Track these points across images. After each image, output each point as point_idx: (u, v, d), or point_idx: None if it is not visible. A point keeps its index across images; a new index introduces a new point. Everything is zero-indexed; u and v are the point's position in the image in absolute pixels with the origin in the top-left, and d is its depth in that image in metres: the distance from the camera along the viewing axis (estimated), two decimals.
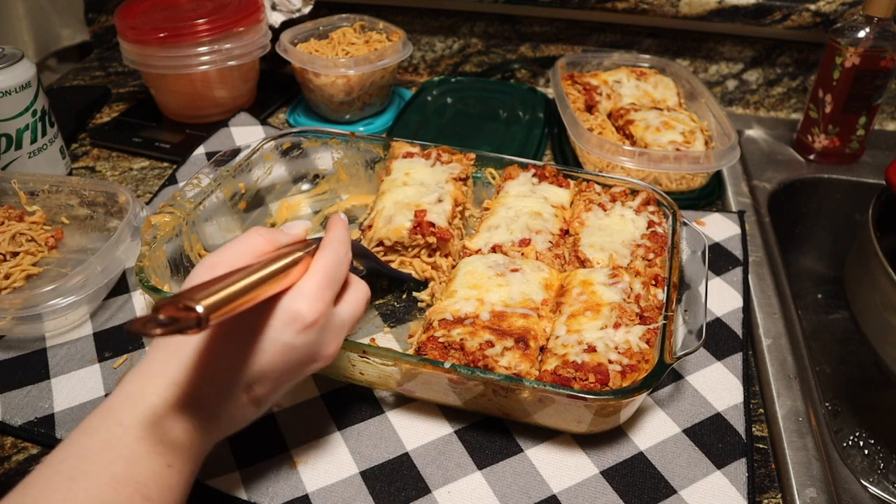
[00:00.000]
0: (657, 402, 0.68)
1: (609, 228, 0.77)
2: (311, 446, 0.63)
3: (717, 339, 0.75)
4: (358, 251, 0.68)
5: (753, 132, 1.17)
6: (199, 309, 0.40)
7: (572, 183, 0.84)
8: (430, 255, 0.79)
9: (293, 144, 0.90)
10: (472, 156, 0.87)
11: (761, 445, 0.67)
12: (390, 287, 0.80)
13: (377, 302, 0.79)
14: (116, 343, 0.74)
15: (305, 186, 0.94)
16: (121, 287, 0.81)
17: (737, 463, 0.63)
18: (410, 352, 0.66)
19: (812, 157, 1.10)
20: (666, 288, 0.69)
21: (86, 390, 0.68)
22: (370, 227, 0.80)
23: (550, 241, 0.76)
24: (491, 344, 0.62)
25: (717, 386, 0.70)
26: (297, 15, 1.18)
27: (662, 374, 0.59)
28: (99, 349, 0.73)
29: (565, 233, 0.79)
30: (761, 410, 0.70)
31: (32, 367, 0.71)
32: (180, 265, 0.75)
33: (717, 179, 1.02)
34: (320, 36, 1.15)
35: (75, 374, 0.70)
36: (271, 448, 0.63)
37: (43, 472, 0.44)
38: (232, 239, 0.55)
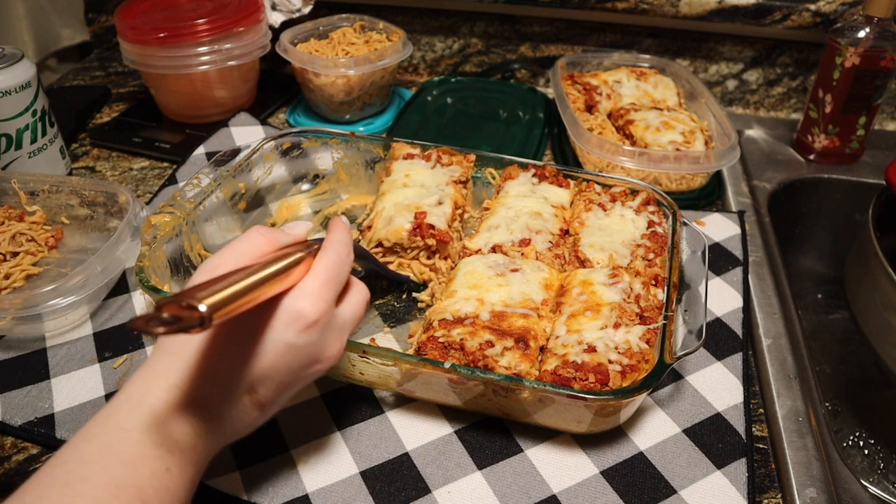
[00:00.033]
0: (657, 402, 0.68)
1: (609, 228, 0.77)
2: (311, 446, 0.63)
3: (717, 339, 0.75)
4: (357, 252, 0.68)
5: (753, 132, 1.17)
6: (202, 308, 0.40)
7: (572, 183, 0.84)
8: (428, 258, 0.79)
9: (293, 144, 0.90)
10: (473, 158, 0.87)
11: (761, 445, 0.67)
12: (390, 287, 0.80)
13: (377, 302, 0.79)
14: (116, 343, 0.74)
15: (305, 186, 0.94)
16: (121, 287, 0.81)
17: (737, 463, 0.63)
18: (410, 352, 0.66)
19: (812, 157, 1.10)
20: (666, 288, 0.69)
21: (86, 390, 0.68)
22: (370, 227, 0.80)
23: (550, 241, 0.76)
24: (491, 344, 0.62)
25: (717, 386, 0.70)
26: (297, 15, 1.18)
27: (662, 374, 0.59)
28: (99, 349, 0.73)
29: (565, 233, 0.79)
30: (761, 410, 0.70)
31: (32, 367, 0.71)
32: (180, 265, 0.75)
33: (717, 179, 1.02)
34: (320, 36, 1.15)
35: (75, 374, 0.70)
36: (271, 448, 0.63)
37: (41, 478, 0.44)
38: (232, 239, 0.55)
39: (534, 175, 0.84)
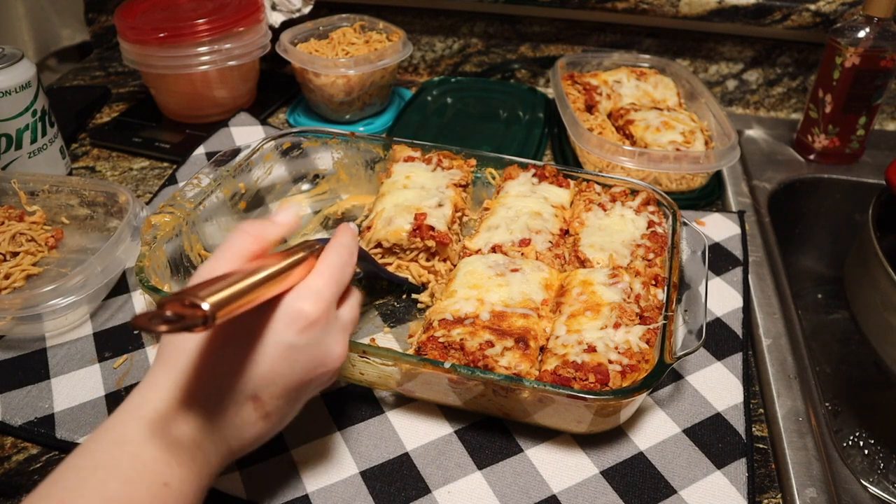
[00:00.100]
0: (657, 402, 0.68)
1: (609, 228, 0.77)
2: (311, 446, 0.63)
3: (717, 339, 0.75)
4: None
5: (753, 132, 1.17)
6: (206, 306, 0.40)
7: (572, 183, 0.84)
8: (427, 260, 0.79)
9: (293, 144, 0.90)
10: (473, 162, 0.87)
11: (761, 445, 0.67)
12: (390, 287, 0.80)
13: (377, 302, 0.79)
14: (116, 343, 0.74)
15: (305, 186, 0.94)
16: (121, 287, 0.81)
17: (737, 463, 0.63)
18: (410, 352, 0.66)
19: (812, 157, 1.10)
20: (666, 288, 0.69)
21: (86, 390, 0.68)
22: (369, 228, 0.80)
23: (550, 241, 0.76)
24: (491, 344, 0.62)
25: (717, 386, 0.70)
26: (297, 15, 1.18)
27: (662, 374, 0.59)
28: (99, 349, 0.73)
29: (565, 233, 0.79)
30: (761, 410, 0.70)
31: (32, 367, 0.71)
32: (180, 265, 0.75)
33: (717, 179, 1.02)
34: (320, 36, 1.15)
35: (75, 374, 0.70)
36: (271, 448, 0.63)
37: (37, 496, 0.43)
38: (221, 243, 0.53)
39: (534, 175, 0.84)
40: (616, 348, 0.62)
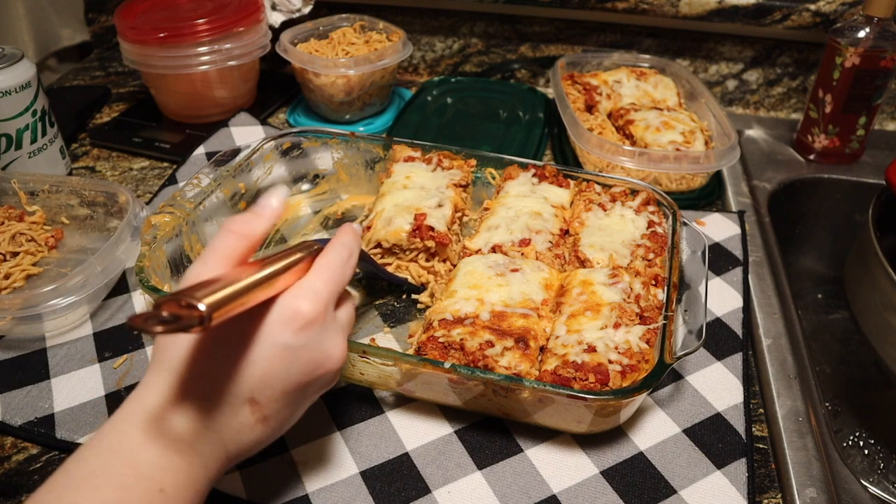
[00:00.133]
0: (657, 402, 0.68)
1: (609, 228, 0.77)
2: (311, 446, 0.63)
3: (717, 339, 0.75)
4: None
5: (753, 132, 1.17)
6: (202, 307, 0.40)
7: (572, 183, 0.84)
8: (427, 260, 0.79)
9: (293, 144, 0.90)
10: (474, 162, 0.87)
11: (761, 445, 0.67)
12: (390, 287, 0.80)
13: (377, 302, 0.79)
14: (116, 343, 0.74)
15: (305, 186, 0.94)
16: (121, 287, 0.81)
17: (737, 463, 0.63)
18: (410, 352, 0.66)
19: (812, 157, 1.10)
20: (666, 288, 0.69)
21: (86, 390, 0.68)
22: (369, 228, 0.80)
23: (550, 241, 0.76)
24: (491, 344, 0.62)
25: (717, 386, 0.70)
26: (297, 15, 1.18)
27: (662, 374, 0.59)
28: (99, 349, 0.73)
29: (565, 233, 0.79)
30: (761, 410, 0.70)
31: (32, 367, 0.71)
32: (180, 265, 0.75)
33: (717, 179, 1.02)
34: (320, 36, 1.15)
35: (75, 374, 0.70)
36: (271, 448, 0.63)
37: (33, 502, 0.43)
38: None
39: (534, 175, 0.84)
40: (616, 348, 0.62)
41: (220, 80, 1.09)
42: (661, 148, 0.94)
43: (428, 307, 0.77)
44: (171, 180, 0.97)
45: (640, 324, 0.65)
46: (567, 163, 1.04)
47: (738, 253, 0.87)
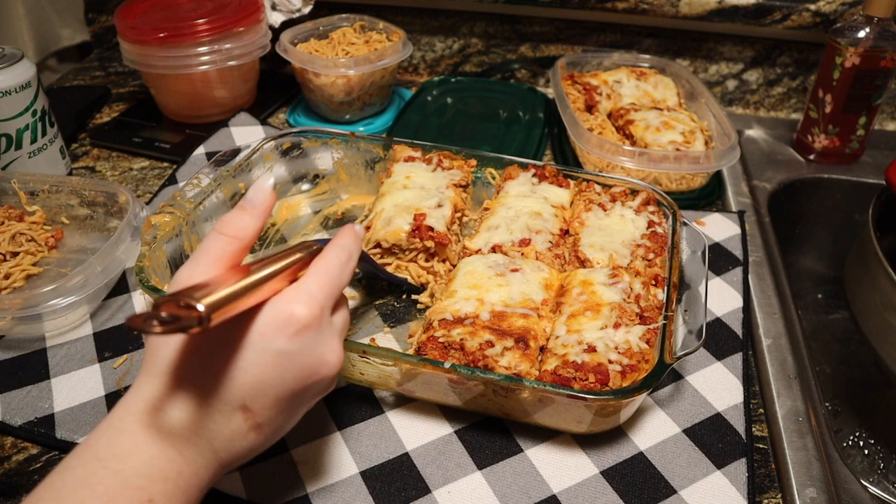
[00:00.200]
0: (657, 402, 0.68)
1: (609, 228, 0.77)
2: (311, 446, 0.63)
3: (717, 339, 0.75)
4: None
5: (753, 132, 1.17)
6: (201, 307, 0.39)
7: (572, 183, 0.84)
8: (427, 260, 0.79)
9: (293, 144, 0.90)
10: (474, 162, 0.87)
11: (761, 445, 0.67)
12: (390, 287, 0.80)
13: (377, 302, 0.79)
14: (116, 343, 0.74)
15: (305, 186, 0.94)
16: (121, 287, 0.81)
17: (737, 463, 0.63)
18: (410, 352, 0.66)
19: (812, 157, 1.10)
20: (666, 288, 0.69)
21: (86, 390, 0.68)
22: (368, 228, 0.80)
23: (550, 241, 0.76)
24: (491, 344, 0.62)
25: (717, 386, 0.70)
26: (297, 15, 1.18)
27: (662, 374, 0.59)
28: (99, 349, 0.73)
29: (565, 233, 0.79)
30: (761, 410, 0.70)
31: (32, 367, 0.71)
32: (180, 265, 0.74)
33: (717, 179, 1.02)
34: (320, 36, 1.15)
35: (75, 374, 0.70)
36: (271, 448, 0.62)
37: None
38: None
39: (534, 175, 0.84)
40: (616, 348, 0.62)
41: (220, 80, 1.09)
42: (661, 148, 0.94)
43: (428, 307, 0.77)
44: (171, 180, 0.97)
45: (640, 324, 0.65)
46: (567, 163, 1.04)
47: (738, 253, 0.87)
